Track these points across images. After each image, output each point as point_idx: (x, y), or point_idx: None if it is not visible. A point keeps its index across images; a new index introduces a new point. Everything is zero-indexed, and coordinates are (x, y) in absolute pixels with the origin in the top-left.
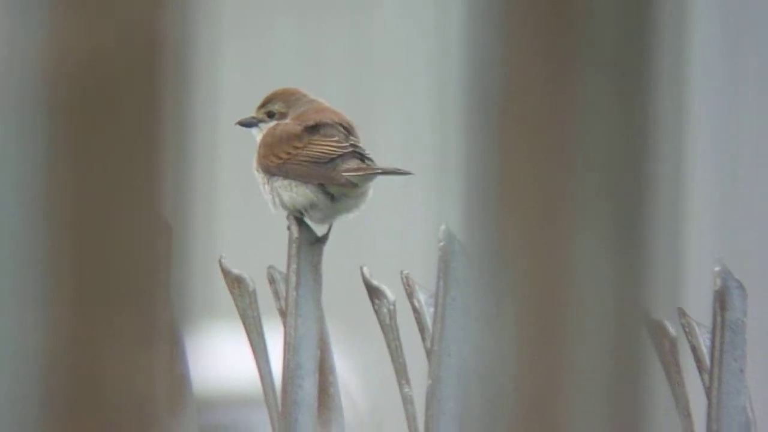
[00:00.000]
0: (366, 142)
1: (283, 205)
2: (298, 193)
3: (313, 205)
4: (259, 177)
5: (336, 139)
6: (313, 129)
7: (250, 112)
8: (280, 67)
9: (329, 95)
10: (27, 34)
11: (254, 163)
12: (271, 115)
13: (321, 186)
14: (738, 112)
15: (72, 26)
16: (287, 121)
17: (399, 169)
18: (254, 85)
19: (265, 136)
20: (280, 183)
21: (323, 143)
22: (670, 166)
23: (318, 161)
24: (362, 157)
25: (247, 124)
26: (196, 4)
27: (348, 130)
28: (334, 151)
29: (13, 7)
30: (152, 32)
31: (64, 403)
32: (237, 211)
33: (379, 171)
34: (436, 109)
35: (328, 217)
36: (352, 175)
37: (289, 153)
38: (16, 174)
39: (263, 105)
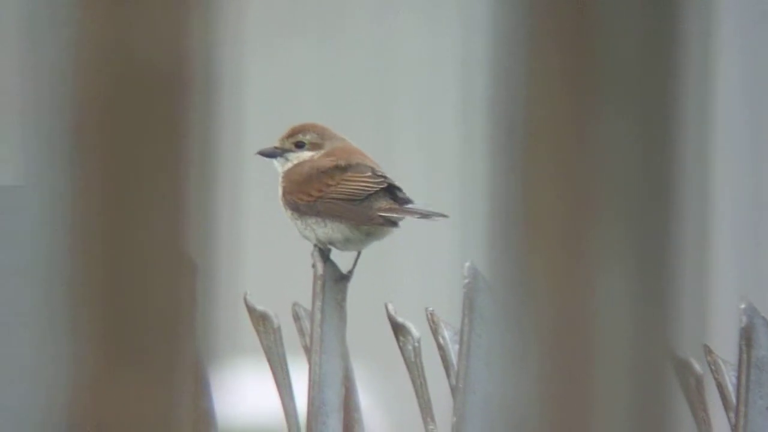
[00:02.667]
0: (388, 167)
1: (317, 240)
2: (334, 230)
3: (348, 240)
4: (288, 212)
5: (369, 175)
6: (345, 167)
7: (273, 138)
8: (301, 88)
9: (351, 115)
10: (50, 57)
11: (280, 198)
12: (300, 145)
13: (357, 224)
14: (764, 148)
15: (95, 54)
16: (315, 156)
17: (436, 212)
18: (277, 108)
19: (290, 173)
20: (313, 219)
21: (356, 180)
22: (697, 201)
23: (352, 199)
24: (395, 189)
25: (270, 154)
26: (219, 25)
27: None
28: (370, 187)
29: (37, 30)
30: (177, 55)
31: None
32: (262, 248)
33: (417, 214)
34: (460, 143)
35: (359, 248)
36: (390, 216)
37: (321, 191)
38: (41, 210)
39: (291, 135)
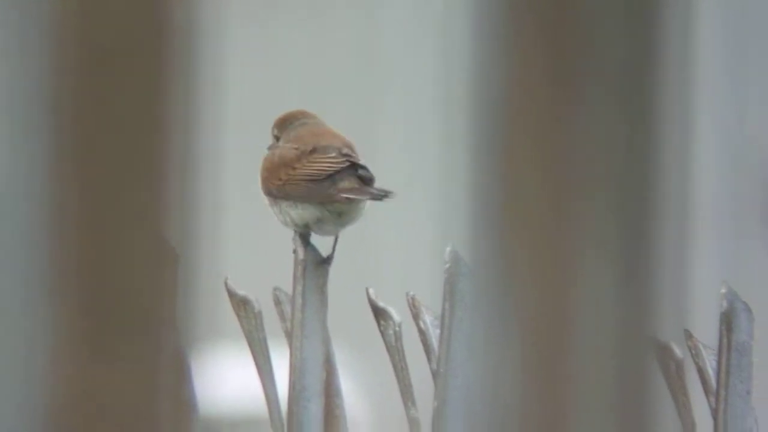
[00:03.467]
0: (370, 158)
1: (293, 223)
2: (304, 209)
3: (319, 220)
4: (265, 199)
5: (333, 155)
6: (312, 149)
7: (253, 124)
8: (283, 71)
9: (332, 101)
10: (26, 50)
11: (260, 185)
12: (277, 139)
13: (322, 203)
14: (744, 134)
15: (71, 43)
16: (287, 145)
17: (384, 191)
18: (259, 81)
19: (264, 160)
20: (285, 203)
21: (320, 161)
22: (677, 187)
23: (315, 179)
24: (359, 169)
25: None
26: (200, 3)
27: (347, 147)
28: (331, 167)
29: (11, 25)
30: (156, 41)
31: (70, 425)
32: (242, 233)
33: (377, 193)
34: (442, 128)
35: (335, 230)
36: (349, 197)
37: (288, 174)
38: (19, 199)
39: (273, 127)
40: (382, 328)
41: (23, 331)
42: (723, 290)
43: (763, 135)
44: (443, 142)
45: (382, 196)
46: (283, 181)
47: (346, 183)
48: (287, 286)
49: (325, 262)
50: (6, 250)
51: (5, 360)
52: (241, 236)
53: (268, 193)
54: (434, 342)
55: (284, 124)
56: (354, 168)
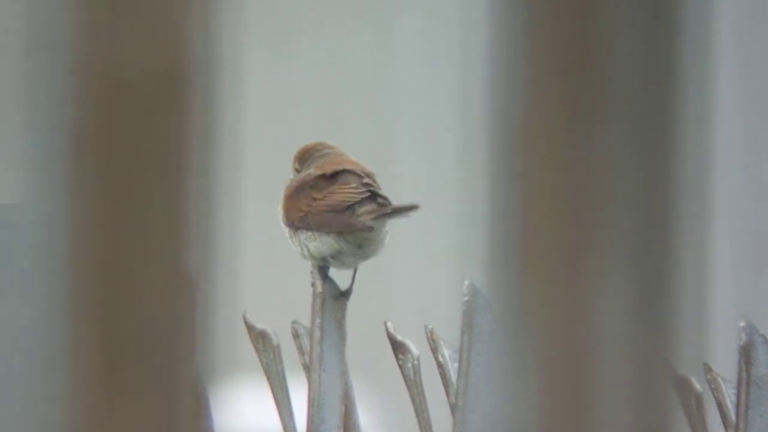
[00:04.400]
0: (387, 189)
1: (311, 256)
2: (323, 243)
3: (338, 253)
4: (286, 230)
5: (353, 185)
6: (332, 179)
7: (274, 144)
8: (301, 95)
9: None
10: (48, 73)
11: (281, 217)
12: (298, 172)
13: (341, 233)
14: (764, 166)
15: (92, 69)
16: (306, 173)
17: (408, 206)
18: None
19: (286, 190)
20: (305, 234)
21: (341, 191)
22: (696, 218)
23: (336, 209)
24: (378, 197)
25: None
26: (217, 35)
27: (367, 176)
28: (353, 197)
29: (34, 46)
30: (175, 69)
31: None
32: (261, 266)
33: (390, 210)
34: (459, 160)
35: (354, 263)
36: (366, 220)
37: (309, 205)
38: (39, 227)
39: (293, 161)
40: (400, 361)
41: (41, 362)
42: (742, 323)
43: None
44: (461, 175)
45: (404, 210)
46: (305, 212)
47: (366, 207)
48: (306, 320)
49: (343, 295)
50: (24, 280)
51: (23, 390)
52: (260, 269)
53: (289, 224)
54: (453, 375)
55: (304, 156)
56: (374, 197)
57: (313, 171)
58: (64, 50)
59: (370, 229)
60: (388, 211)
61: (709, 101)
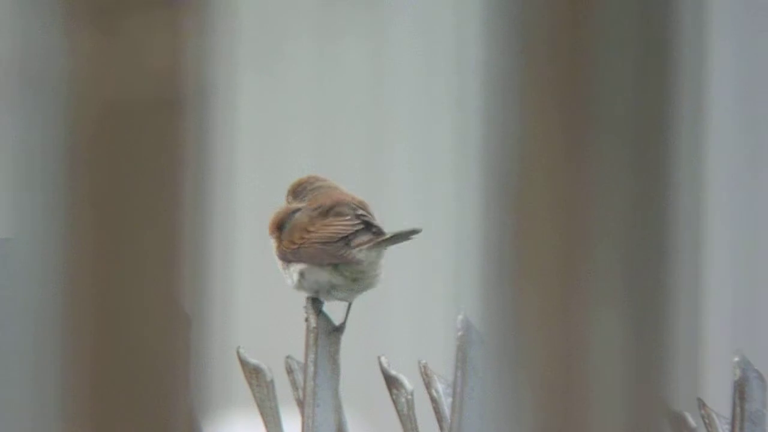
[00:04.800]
0: (381, 209)
1: (305, 289)
2: (317, 276)
3: (332, 286)
4: (279, 264)
5: (348, 218)
6: (326, 212)
7: (267, 172)
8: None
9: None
10: (40, 104)
11: (274, 250)
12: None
13: (337, 266)
14: (760, 189)
15: (85, 98)
16: (300, 207)
17: (406, 231)
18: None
19: (277, 222)
20: (298, 268)
21: (335, 224)
22: (691, 251)
23: (329, 242)
24: (373, 228)
25: None
26: (212, 51)
27: (360, 208)
28: (346, 229)
29: (31, 60)
30: (170, 77)
31: None
32: (254, 301)
33: (388, 237)
34: (453, 196)
35: (348, 297)
36: (359, 250)
37: (303, 238)
38: (32, 262)
39: (286, 195)
40: (394, 396)
41: (33, 393)
42: (736, 359)
43: None
44: (455, 205)
45: (403, 236)
46: (298, 245)
47: (360, 238)
48: (299, 355)
49: (337, 330)
50: (17, 310)
51: (15, 421)
52: (254, 304)
53: (283, 257)
54: (446, 410)
55: (297, 189)
56: (368, 228)
57: (307, 208)
58: (58, 79)
59: (360, 261)
60: (384, 238)
61: (704, 122)
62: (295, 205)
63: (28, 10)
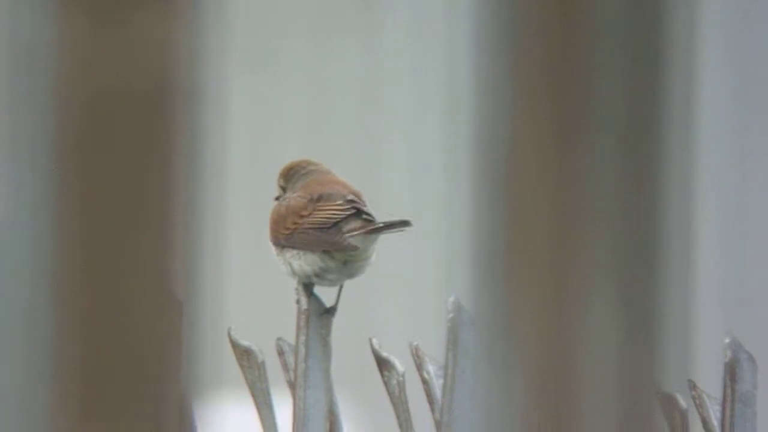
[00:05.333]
0: (372, 206)
1: (295, 274)
2: (307, 261)
3: (322, 271)
4: (273, 249)
5: (339, 203)
6: (319, 198)
7: (256, 170)
8: (286, 114)
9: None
10: (30, 92)
11: (268, 235)
12: (283, 189)
13: (327, 252)
14: (749, 183)
15: (75, 85)
16: (294, 195)
17: (398, 221)
18: (262, 129)
19: (273, 211)
20: (290, 253)
21: (326, 209)
22: (680, 236)
23: (322, 227)
24: (364, 215)
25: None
26: (204, 44)
27: (353, 194)
28: (337, 214)
29: (20, 49)
30: (162, 71)
31: None
32: (246, 283)
33: (380, 225)
34: (445, 178)
35: (339, 280)
36: (353, 236)
37: (295, 223)
38: (22, 246)
39: (278, 179)
40: (385, 378)
41: (24, 379)
42: (727, 340)
43: (765, 187)
44: (447, 192)
45: (393, 226)
46: (291, 230)
47: (352, 225)
48: (291, 336)
49: (328, 312)
50: (7, 297)
51: (6, 405)
52: (245, 286)
53: (276, 242)
54: (437, 392)
55: (289, 174)
56: (359, 214)
57: (299, 190)
58: (48, 69)
59: (355, 247)
60: (376, 227)
61: (695, 123)
62: (290, 192)
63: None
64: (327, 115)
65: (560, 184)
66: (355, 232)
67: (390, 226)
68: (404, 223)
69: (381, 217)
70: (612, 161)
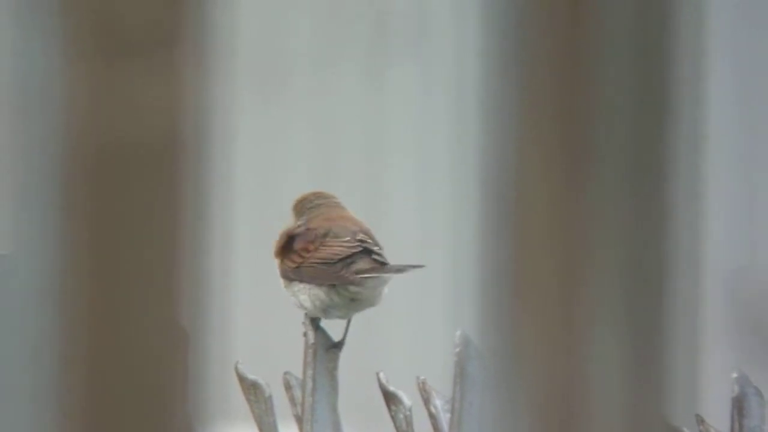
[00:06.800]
0: (379, 235)
1: (303, 307)
2: (314, 296)
3: (330, 306)
4: (282, 282)
5: (347, 239)
6: (326, 233)
7: (263, 204)
8: (291, 153)
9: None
10: (41, 126)
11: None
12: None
13: (334, 286)
14: (757, 210)
15: (85, 123)
16: (301, 228)
17: (410, 265)
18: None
19: (279, 240)
20: (298, 287)
21: (333, 244)
22: (689, 268)
23: (328, 262)
24: (373, 254)
25: None
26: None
27: (362, 232)
28: (344, 251)
29: (28, 101)
30: (167, 126)
31: None
32: (253, 317)
33: (393, 270)
34: (452, 212)
35: (346, 315)
36: (365, 277)
37: (302, 257)
38: (30, 278)
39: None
40: (392, 412)
41: (31, 409)
42: (734, 375)
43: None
44: (454, 224)
45: (404, 269)
46: (298, 264)
47: (361, 264)
48: (298, 371)
49: (335, 346)
50: (15, 328)
51: None
52: (252, 320)
53: (284, 275)
54: (445, 426)
55: (298, 207)
56: (368, 253)
57: (306, 224)
58: (58, 109)
59: (360, 283)
60: (387, 269)
61: (702, 147)
62: (297, 224)
63: (31, 42)
64: (334, 147)
65: (568, 216)
66: (366, 275)
67: (400, 269)
68: (415, 267)
69: (390, 257)
70: (621, 190)
